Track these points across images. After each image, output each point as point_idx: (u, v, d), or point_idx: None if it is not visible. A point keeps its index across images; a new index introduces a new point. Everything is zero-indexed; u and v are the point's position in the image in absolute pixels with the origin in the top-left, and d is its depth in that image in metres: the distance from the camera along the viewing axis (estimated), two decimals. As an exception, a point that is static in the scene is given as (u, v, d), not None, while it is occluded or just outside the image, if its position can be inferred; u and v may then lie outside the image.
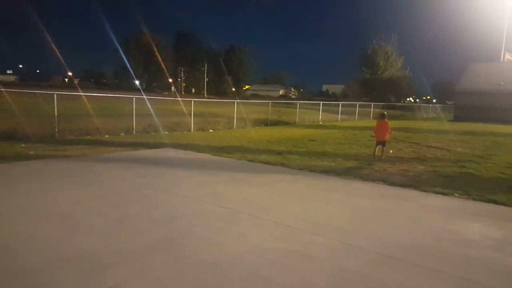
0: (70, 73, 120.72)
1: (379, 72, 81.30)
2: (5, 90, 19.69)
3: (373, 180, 9.08)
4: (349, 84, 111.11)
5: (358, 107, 37.61)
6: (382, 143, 12.71)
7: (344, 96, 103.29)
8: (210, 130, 20.27)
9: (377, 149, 12.71)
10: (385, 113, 13.67)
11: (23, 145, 12.25)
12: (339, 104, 35.53)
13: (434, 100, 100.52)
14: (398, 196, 7.70)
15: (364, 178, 9.31)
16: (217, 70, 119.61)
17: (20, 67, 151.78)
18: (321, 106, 31.94)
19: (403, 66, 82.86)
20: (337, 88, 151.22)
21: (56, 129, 14.81)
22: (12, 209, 6.00)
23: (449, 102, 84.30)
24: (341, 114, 34.03)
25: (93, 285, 3.75)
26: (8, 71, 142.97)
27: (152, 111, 19.45)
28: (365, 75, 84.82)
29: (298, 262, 4.44)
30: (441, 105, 68.51)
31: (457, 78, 51.50)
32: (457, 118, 44.19)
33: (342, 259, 4.54)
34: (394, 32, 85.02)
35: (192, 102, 20.66)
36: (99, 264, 4.18)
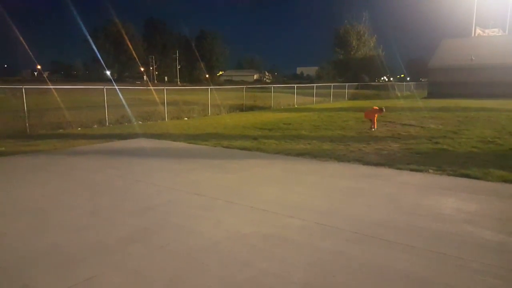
0: (39, 67, 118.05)
1: (352, 52, 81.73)
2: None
3: (349, 161, 9.13)
4: (323, 66, 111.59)
5: (333, 89, 37.72)
6: (371, 120, 15.06)
7: (318, 78, 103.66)
8: (185, 118, 20.07)
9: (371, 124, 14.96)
10: (384, 109, 15.36)
11: None
12: (314, 86, 35.58)
13: (408, 78, 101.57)
14: (373, 175, 7.76)
15: (340, 159, 9.36)
16: (189, 57, 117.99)
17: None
18: (295, 89, 31.96)
19: (376, 45, 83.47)
20: (311, 70, 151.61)
21: (27, 124, 14.46)
22: (-19, 208, 5.83)
23: (422, 80, 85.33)
24: (316, 96, 34.10)
25: (68, 278, 3.68)
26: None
27: (124, 102, 19.12)
28: (338, 56, 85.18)
29: (275, 245, 4.43)
30: (414, 82, 69.29)
31: (430, 55, 52.04)
32: (430, 95, 44.83)
33: (318, 240, 4.56)
34: (366, 11, 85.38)
35: (165, 90, 20.35)
36: (74, 258, 4.11)
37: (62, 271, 3.83)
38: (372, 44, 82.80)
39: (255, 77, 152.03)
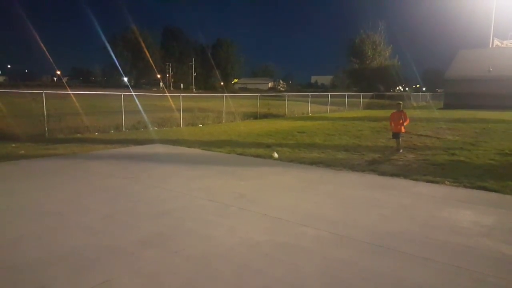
0: (58, 72, 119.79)
1: (367, 62, 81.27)
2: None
3: (363, 171, 9.08)
4: (337, 75, 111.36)
5: (347, 98, 37.59)
6: (397, 135, 12.05)
7: (333, 87, 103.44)
8: (200, 125, 20.18)
9: (396, 142, 12.10)
10: (401, 103, 12.65)
11: (13, 145, 12.17)
12: (328, 95, 35.51)
13: (424, 89, 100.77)
14: (388, 186, 7.71)
15: (354, 168, 9.32)
16: (205, 64, 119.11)
17: (9, 67, 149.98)
18: (310, 98, 31.93)
19: (392, 55, 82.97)
20: (326, 79, 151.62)
21: (46, 128, 14.70)
22: (2, 208, 5.95)
23: (439, 90, 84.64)
24: (330, 105, 34.01)
25: (85, 281, 3.73)
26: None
27: (140, 108, 19.33)
28: (353, 65, 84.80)
29: (288, 253, 4.43)
30: (430, 93, 68.75)
31: (446, 66, 51.67)
32: (447, 106, 44.36)
33: (332, 250, 4.54)
34: (382, 20, 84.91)
35: (181, 97, 20.52)
36: (90, 261, 4.16)
37: (79, 274, 3.87)
38: (387, 54, 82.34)
39: (270, 85, 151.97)
